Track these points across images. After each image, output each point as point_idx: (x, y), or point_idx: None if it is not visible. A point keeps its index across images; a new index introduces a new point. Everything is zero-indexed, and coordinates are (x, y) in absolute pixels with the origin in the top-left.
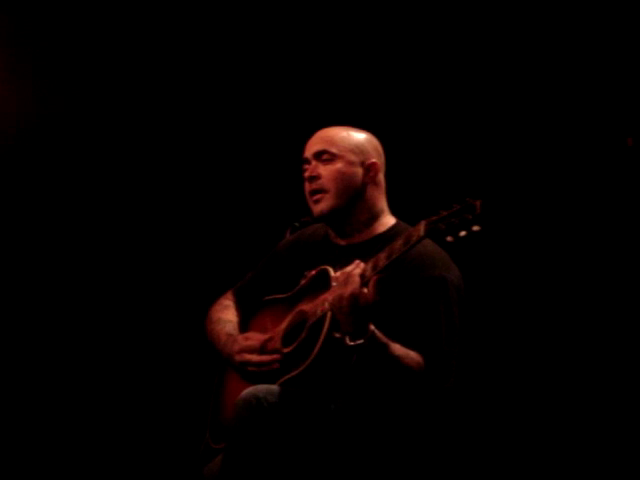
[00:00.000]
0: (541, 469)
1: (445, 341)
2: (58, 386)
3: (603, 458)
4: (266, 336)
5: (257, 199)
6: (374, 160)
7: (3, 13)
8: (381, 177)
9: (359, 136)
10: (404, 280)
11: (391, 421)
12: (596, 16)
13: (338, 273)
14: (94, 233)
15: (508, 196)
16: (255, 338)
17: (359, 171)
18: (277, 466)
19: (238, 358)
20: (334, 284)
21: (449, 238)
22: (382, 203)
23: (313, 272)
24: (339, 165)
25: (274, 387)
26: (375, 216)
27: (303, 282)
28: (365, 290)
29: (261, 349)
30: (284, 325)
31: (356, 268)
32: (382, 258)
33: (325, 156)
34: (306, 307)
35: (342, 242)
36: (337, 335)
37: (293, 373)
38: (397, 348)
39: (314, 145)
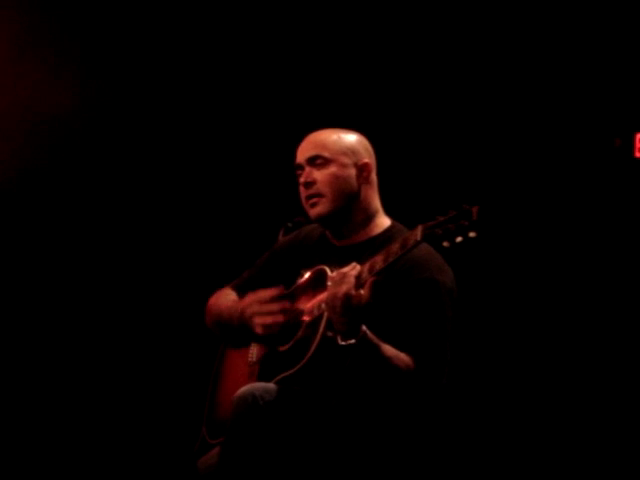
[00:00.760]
0: (535, 469)
1: (436, 344)
2: (53, 378)
3: (600, 457)
4: (276, 289)
5: (250, 199)
6: (366, 160)
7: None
8: (374, 176)
9: (349, 138)
10: (397, 282)
11: (384, 421)
12: (584, 19)
13: (334, 273)
14: (89, 229)
15: (505, 203)
16: (264, 293)
17: (353, 172)
18: (273, 464)
19: (248, 310)
20: (330, 284)
21: (445, 243)
22: (376, 202)
23: (310, 271)
24: (333, 169)
25: (271, 385)
26: (371, 216)
27: (300, 281)
28: (360, 291)
29: (270, 299)
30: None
31: (352, 270)
32: (379, 261)
33: (319, 161)
34: (303, 306)
35: (338, 243)
36: (329, 334)
37: (289, 372)
38: (388, 349)
39: (306, 151)
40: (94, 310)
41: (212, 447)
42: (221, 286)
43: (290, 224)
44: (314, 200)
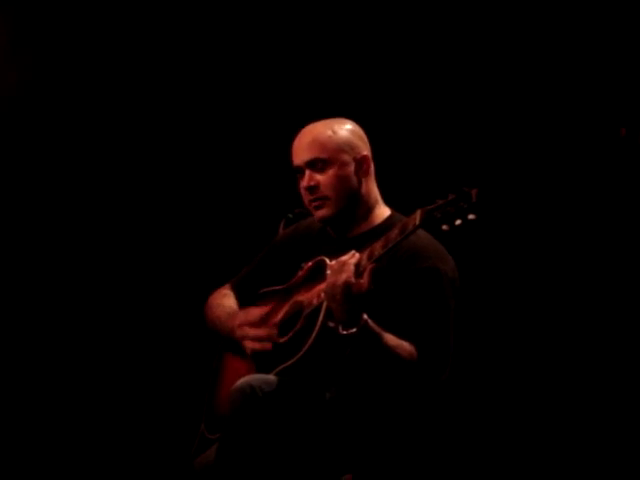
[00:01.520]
0: (534, 465)
1: (439, 332)
2: (50, 375)
3: (597, 455)
4: (266, 310)
5: (250, 192)
6: (365, 153)
7: None
8: (372, 166)
9: (344, 131)
10: (399, 271)
11: (385, 411)
12: (587, 8)
13: (333, 262)
14: (83, 225)
15: (504, 185)
16: (255, 313)
17: (353, 168)
18: (271, 455)
19: (238, 332)
20: (329, 273)
21: (445, 227)
22: (375, 192)
23: (310, 263)
24: (334, 170)
25: (269, 377)
26: (371, 207)
27: (300, 273)
28: (360, 279)
29: (260, 322)
30: (280, 316)
31: (351, 258)
32: (378, 247)
33: (319, 165)
34: (302, 297)
35: (339, 235)
36: (331, 324)
37: (288, 362)
38: (390, 338)
39: (303, 153)
40: (88, 305)
41: (211, 442)
42: (222, 280)
43: (291, 215)
44: (318, 203)
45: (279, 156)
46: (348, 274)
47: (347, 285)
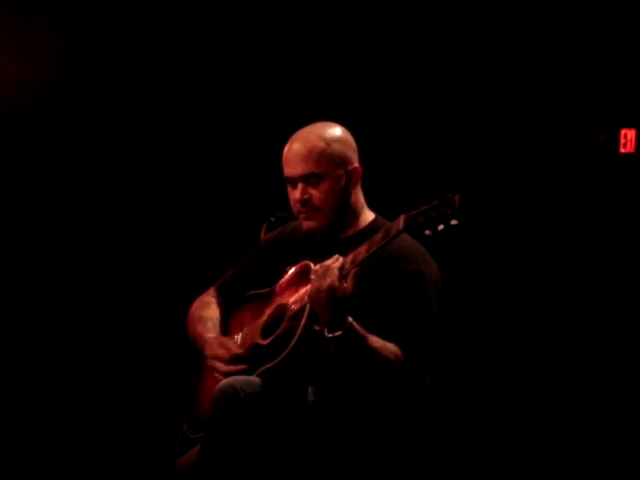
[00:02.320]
0: (523, 467)
1: (423, 334)
2: (33, 374)
3: (592, 455)
4: (239, 348)
5: (232, 195)
6: (356, 164)
7: None
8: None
9: (337, 144)
10: (383, 274)
11: (368, 413)
12: (569, 16)
13: (317, 266)
14: (68, 226)
15: (487, 191)
16: (228, 347)
17: (344, 181)
18: (253, 457)
19: (209, 363)
20: (313, 277)
21: (427, 232)
22: (362, 199)
23: (294, 267)
24: (328, 184)
25: (252, 378)
26: (357, 213)
27: (284, 277)
28: (343, 283)
29: (230, 360)
30: (264, 318)
31: (335, 262)
32: (362, 251)
33: (313, 179)
34: (286, 300)
35: (324, 240)
36: (316, 327)
37: (271, 364)
38: (375, 340)
39: (298, 166)
40: (71, 306)
41: (193, 442)
42: (205, 283)
43: (273, 219)
44: (309, 215)
45: (262, 160)
46: (332, 278)
47: (331, 289)
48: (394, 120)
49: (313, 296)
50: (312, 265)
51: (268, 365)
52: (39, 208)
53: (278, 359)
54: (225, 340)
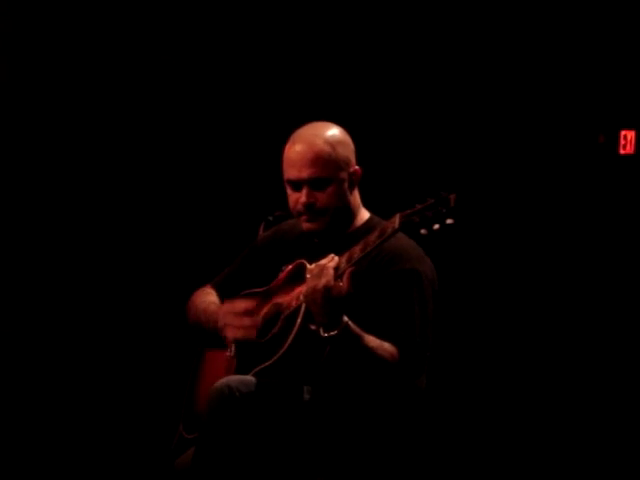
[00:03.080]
0: (519, 466)
1: (419, 333)
2: (28, 373)
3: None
4: (251, 302)
5: (230, 193)
6: (357, 167)
7: None
8: None
9: (341, 147)
10: (378, 273)
11: (364, 412)
12: (569, 17)
13: (313, 266)
14: (69, 223)
15: (485, 192)
16: (241, 304)
17: (347, 184)
18: (249, 457)
19: (222, 320)
20: (308, 276)
21: (423, 231)
22: (358, 199)
23: (290, 266)
24: (333, 188)
25: (247, 377)
26: (355, 213)
27: (280, 276)
28: (339, 282)
29: (245, 313)
30: (259, 317)
31: (330, 261)
32: (357, 251)
33: (319, 184)
34: (281, 300)
35: (320, 239)
36: (312, 327)
37: (267, 363)
38: (371, 339)
39: (304, 169)
40: (71, 304)
41: (189, 442)
42: (202, 282)
43: (271, 218)
44: (311, 217)
45: (260, 159)
46: (328, 278)
47: (327, 289)
48: (390, 119)
49: (309, 296)
50: (307, 264)
51: (264, 364)
52: (39, 208)
53: (274, 358)
54: (237, 300)
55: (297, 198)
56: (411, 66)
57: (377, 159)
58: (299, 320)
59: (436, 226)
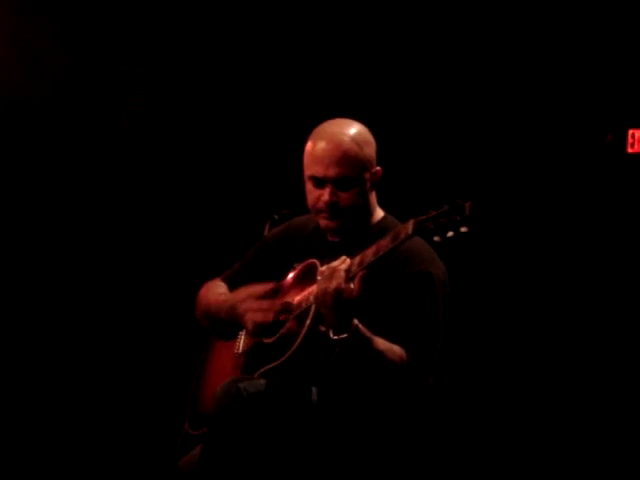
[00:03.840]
0: (525, 467)
1: (429, 336)
2: (29, 371)
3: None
4: (268, 286)
5: (237, 191)
6: (378, 167)
7: None
8: None
9: (367, 147)
10: (390, 274)
11: (372, 414)
12: (577, 16)
13: (324, 267)
14: (75, 219)
15: (498, 199)
16: (258, 288)
17: (370, 184)
18: (256, 457)
19: (241, 306)
20: (319, 278)
21: (436, 238)
22: (375, 199)
23: (301, 265)
24: (357, 188)
25: (255, 377)
26: (371, 212)
27: (290, 274)
28: (350, 285)
29: (264, 296)
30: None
31: (342, 264)
32: (369, 254)
33: (345, 183)
34: (291, 299)
35: (333, 237)
36: (322, 329)
37: (274, 363)
38: (381, 343)
39: (332, 167)
40: (74, 302)
41: (194, 439)
42: (208, 278)
43: (277, 216)
44: (331, 216)
45: (266, 157)
46: (339, 281)
47: (338, 292)
48: (409, 124)
49: (319, 298)
50: (318, 265)
51: (272, 364)
52: (39, 209)
53: (282, 359)
54: (254, 285)
55: (319, 195)
56: (425, 72)
57: (396, 161)
58: (308, 321)
59: (450, 234)
